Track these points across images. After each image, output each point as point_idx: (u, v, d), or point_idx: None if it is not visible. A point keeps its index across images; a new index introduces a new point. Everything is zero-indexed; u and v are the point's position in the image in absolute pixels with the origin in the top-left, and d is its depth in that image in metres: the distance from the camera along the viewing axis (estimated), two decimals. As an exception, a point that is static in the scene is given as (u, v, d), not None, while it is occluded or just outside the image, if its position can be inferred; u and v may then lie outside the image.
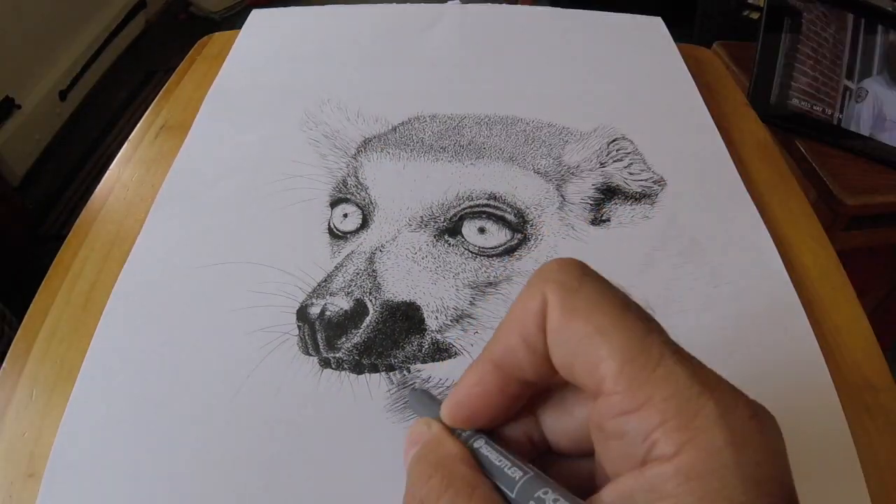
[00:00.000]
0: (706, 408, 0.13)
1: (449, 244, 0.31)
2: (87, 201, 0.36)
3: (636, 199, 0.34)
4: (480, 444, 0.18)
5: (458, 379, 0.18)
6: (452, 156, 0.36)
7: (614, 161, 0.36)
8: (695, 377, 0.14)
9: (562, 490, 0.15)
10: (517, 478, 0.16)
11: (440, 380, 0.27)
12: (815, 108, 0.49)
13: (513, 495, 0.16)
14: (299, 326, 0.28)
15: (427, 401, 0.21)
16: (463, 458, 0.17)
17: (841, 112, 0.50)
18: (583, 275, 0.16)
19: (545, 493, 0.15)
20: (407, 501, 0.17)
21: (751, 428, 0.14)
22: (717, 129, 0.39)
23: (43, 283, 0.32)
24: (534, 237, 0.32)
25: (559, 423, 0.18)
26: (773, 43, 0.50)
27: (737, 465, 0.13)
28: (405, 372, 0.27)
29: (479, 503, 0.15)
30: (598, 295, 0.16)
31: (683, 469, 0.13)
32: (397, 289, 0.29)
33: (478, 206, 0.33)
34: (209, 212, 0.34)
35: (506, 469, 0.17)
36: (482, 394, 0.18)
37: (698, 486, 0.13)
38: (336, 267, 0.30)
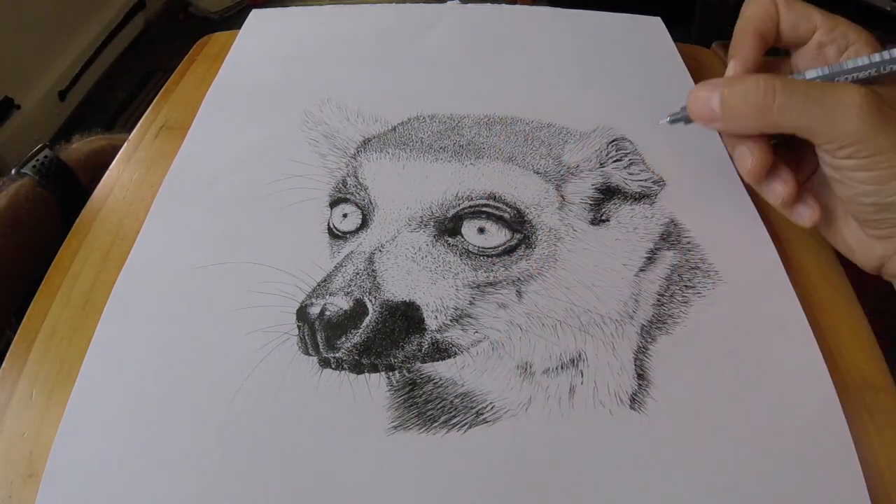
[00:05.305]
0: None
1: (448, 244, 0.31)
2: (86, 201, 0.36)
3: (636, 199, 0.34)
4: None
5: (730, 48, 0.31)
6: (452, 156, 0.36)
7: (614, 161, 0.36)
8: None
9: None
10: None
11: (441, 380, 0.27)
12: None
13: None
14: (299, 326, 0.28)
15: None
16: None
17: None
18: None
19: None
20: (732, 112, 0.28)
21: None
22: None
23: (42, 282, 0.32)
24: (533, 237, 0.32)
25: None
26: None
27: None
28: (405, 372, 0.27)
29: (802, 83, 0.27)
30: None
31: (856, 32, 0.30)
32: (397, 289, 0.29)
33: (477, 205, 0.33)
34: (209, 212, 0.34)
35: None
36: (753, 46, 0.31)
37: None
38: (336, 267, 0.30)
